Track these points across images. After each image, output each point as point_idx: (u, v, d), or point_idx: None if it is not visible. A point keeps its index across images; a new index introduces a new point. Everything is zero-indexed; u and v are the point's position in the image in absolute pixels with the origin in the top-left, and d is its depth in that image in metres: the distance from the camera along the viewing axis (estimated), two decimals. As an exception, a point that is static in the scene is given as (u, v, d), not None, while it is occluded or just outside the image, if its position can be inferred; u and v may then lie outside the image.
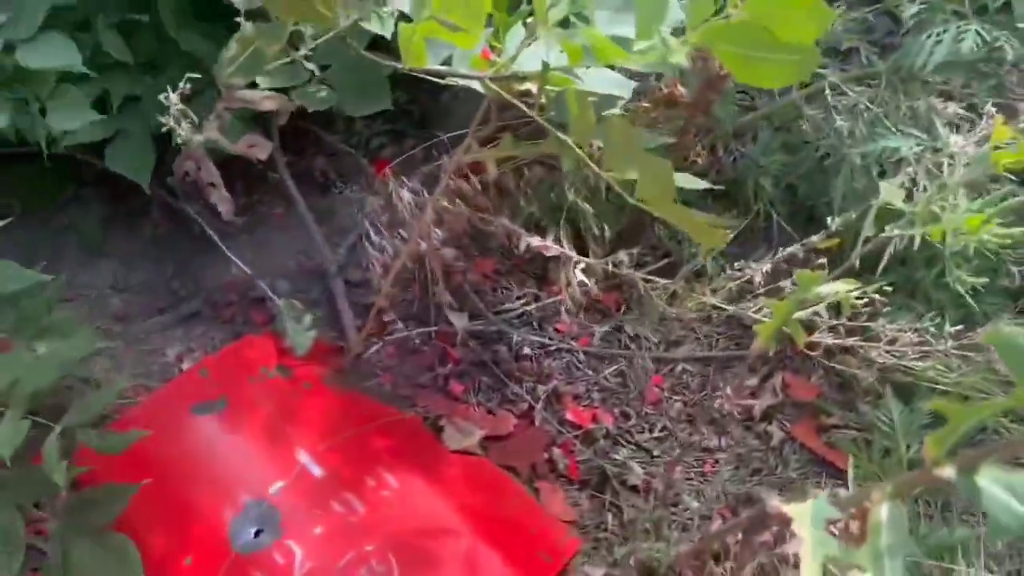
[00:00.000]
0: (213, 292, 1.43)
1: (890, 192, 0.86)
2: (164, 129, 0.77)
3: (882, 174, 1.22)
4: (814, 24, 0.61)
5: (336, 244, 1.47)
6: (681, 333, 1.36)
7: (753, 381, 1.30)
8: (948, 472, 0.51)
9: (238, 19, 0.77)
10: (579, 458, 1.21)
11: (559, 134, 0.77)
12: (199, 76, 0.95)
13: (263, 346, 1.25)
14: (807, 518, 0.57)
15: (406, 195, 1.18)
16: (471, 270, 1.33)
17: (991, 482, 0.49)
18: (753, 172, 1.38)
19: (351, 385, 1.24)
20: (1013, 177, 1.12)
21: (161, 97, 0.69)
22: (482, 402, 1.28)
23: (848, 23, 1.34)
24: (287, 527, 0.99)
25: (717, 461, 1.23)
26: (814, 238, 0.97)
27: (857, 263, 0.91)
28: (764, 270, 1.03)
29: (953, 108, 1.14)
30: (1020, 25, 1.07)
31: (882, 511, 0.53)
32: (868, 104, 1.19)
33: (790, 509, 0.58)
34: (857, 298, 0.87)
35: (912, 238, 0.94)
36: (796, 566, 0.55)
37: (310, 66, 0.85)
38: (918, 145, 1.11)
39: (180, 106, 0.70)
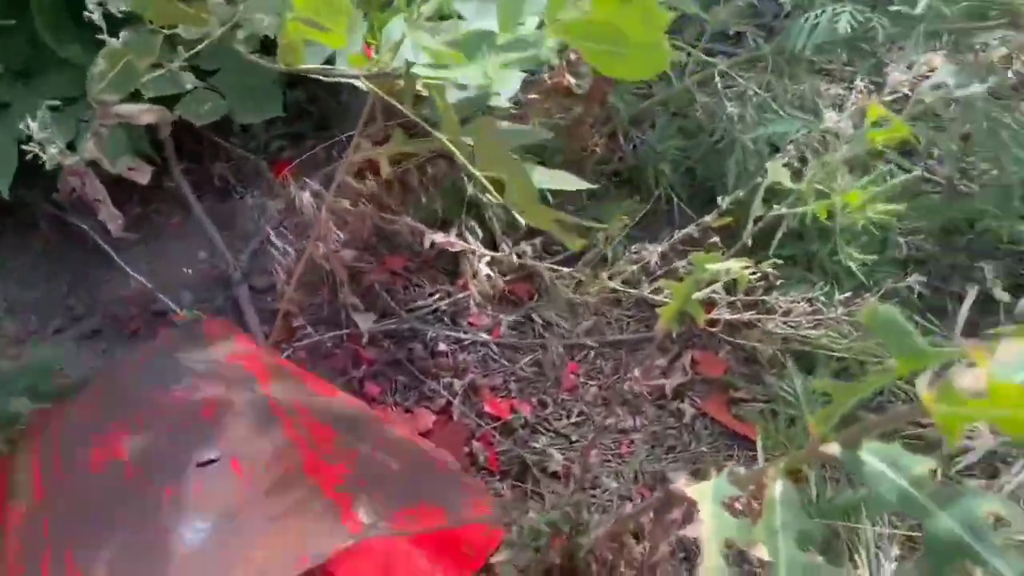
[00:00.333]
0: (112, 307, 1.38)
1: (776, 171, 0.88)
2: (28, 157, 0.73)
3: (775, 152, 1.26)
4: (651, 25, 0.62)
5: (239, 250, 1.44)
6: (593, 319, 1.38)
7: (663, 361, 1.33)
8: (833, 448, 0.53)
9: (100, 35, 0.73)
10: (499, 449, 1.22)
11: (435, 132, 0.77)
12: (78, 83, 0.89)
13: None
14: (708, 497, 0.58)
15: (307, 197, 1.16)
16: (376, 270, 1.32)
17: (872, 456, 0.51)
18: (652, 158, 1.41)
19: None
20: (895, 152, 1.18)
21: (21, 126, 0.65)
22: (399, 401, 1.27)
23: (736, 7, 1.38)
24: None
25: (632, 441, 1.25)
26: (707, 218, 1.00)
27: (750, 241, 0.93)
28: (660, 251, 1.05)
29: (835, 89, 1.19)
30: (891, 8, 1.13)
31: (776, 488, 0.55)
32: (756, 89, 1.23)
33: (693, 490, 0.60)
34: (752, 274, 0.89)
35: (805, 215, 0.98)
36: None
37: (192, 75, 0.82)
38: (804, 127, 1.15)
39: (44, 133, 0.66)
